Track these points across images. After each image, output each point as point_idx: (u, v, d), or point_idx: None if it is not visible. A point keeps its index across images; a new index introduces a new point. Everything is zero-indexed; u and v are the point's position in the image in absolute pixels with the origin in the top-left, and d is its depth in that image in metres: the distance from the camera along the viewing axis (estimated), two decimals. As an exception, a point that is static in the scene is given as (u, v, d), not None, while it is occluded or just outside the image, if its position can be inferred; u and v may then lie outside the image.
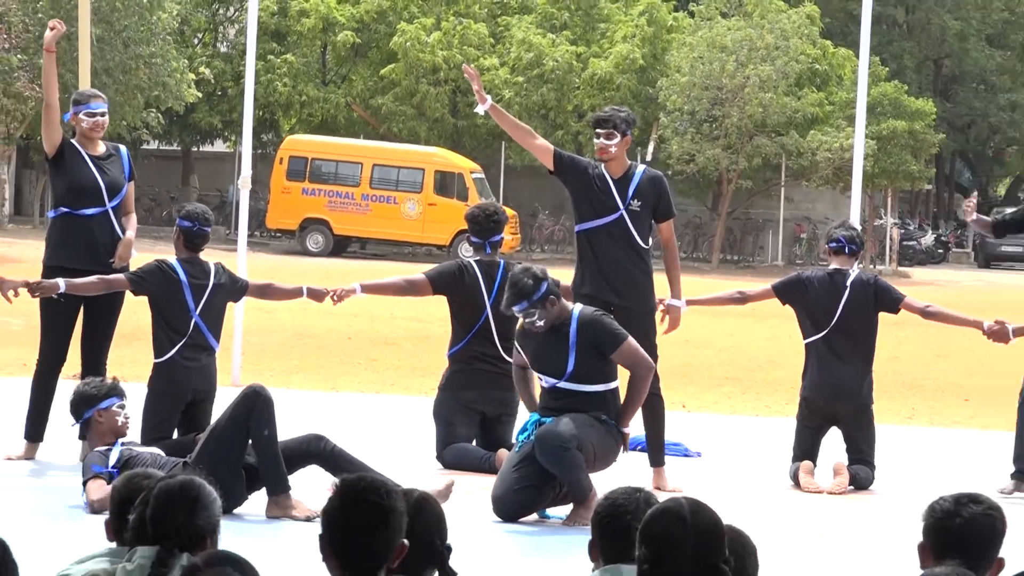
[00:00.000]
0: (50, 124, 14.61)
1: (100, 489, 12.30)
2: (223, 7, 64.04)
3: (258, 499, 12.36)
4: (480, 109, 14.96)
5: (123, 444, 12.68)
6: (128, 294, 14.43)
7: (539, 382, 13.47)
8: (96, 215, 14.53)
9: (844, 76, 60.52)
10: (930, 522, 6.86)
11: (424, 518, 6.42)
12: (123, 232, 14.61)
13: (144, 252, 15.39)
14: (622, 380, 13.41)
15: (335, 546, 6.11)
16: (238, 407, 12.55)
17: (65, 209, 14.63)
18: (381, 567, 6.18)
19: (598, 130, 14.55)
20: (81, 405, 12.78)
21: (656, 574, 5.97)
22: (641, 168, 14.81)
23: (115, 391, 12.85)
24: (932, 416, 20.45)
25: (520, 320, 13.46)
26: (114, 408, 12.72)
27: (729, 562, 6.05)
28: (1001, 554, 6.77)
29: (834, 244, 15.61)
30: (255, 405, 12.51)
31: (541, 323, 13.11)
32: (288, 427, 12.76)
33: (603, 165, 14.62)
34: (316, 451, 12.68)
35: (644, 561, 6.07)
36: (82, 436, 13.35)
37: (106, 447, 12.63)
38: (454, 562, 6.44)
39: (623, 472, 13.18)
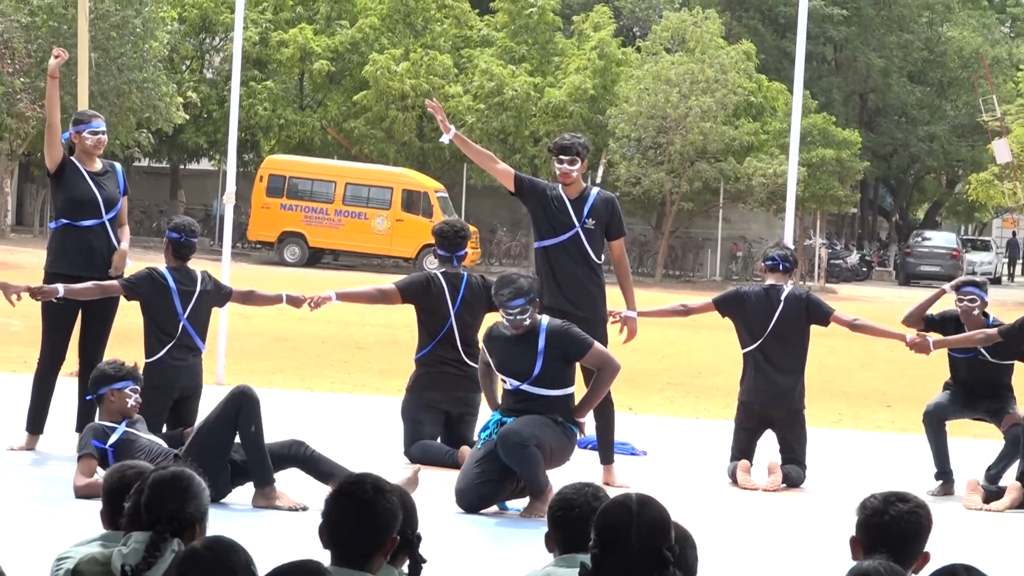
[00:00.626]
0: (52, 143, 14.61)
1: (85, 475, 12.36)
2: (209, 37, 63.92)
3: (243, 491, 12.36)
4: (445, 139, 15.06)
5: (128, 427, 12.69)
6: (121, 298, 14.47)
7: (503, 384, 13.47)
8: (94, 226, 14.53)
9: (777, 108, 60.63)
10: (862, 518, 6.87)
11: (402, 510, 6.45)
12: (118, 242, 14.61)
13: (135, 261, 15.34)
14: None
15: (331, 536, 6.14)
16: (227, 405, 12.54)
17: (65, 221, 14.63)
18: (372, 556, 6.19)
19: (562, 156, 14.59)
20: (98, 382, 12.88)
21: (606, 559, 6.04)
22: (595, 190, 14.87)
23: (131, 375, 12.92)
24: (857, 420, 20.50)
25: (497, 320, 13.54)
26: (127, 391, 12.77)
27: (673, 549, 6.08)
28: (927, 549, 6.78)
29: (769, 262, 15.64)
30: (243, 404, 12.51)
31: (528, 322, 13.16)
32: (269, 424, 12.73)
33: (560, 187, 14.65)
34: (296, 455, 12.67)
35: (595, 546, 6.14)
36: (80, 427, 13.35)
37: (108, 426, 12.64)
38: (421, 550, 6.44)
39: (576, 469, 13.19)
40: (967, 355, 15.27)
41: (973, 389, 15.31)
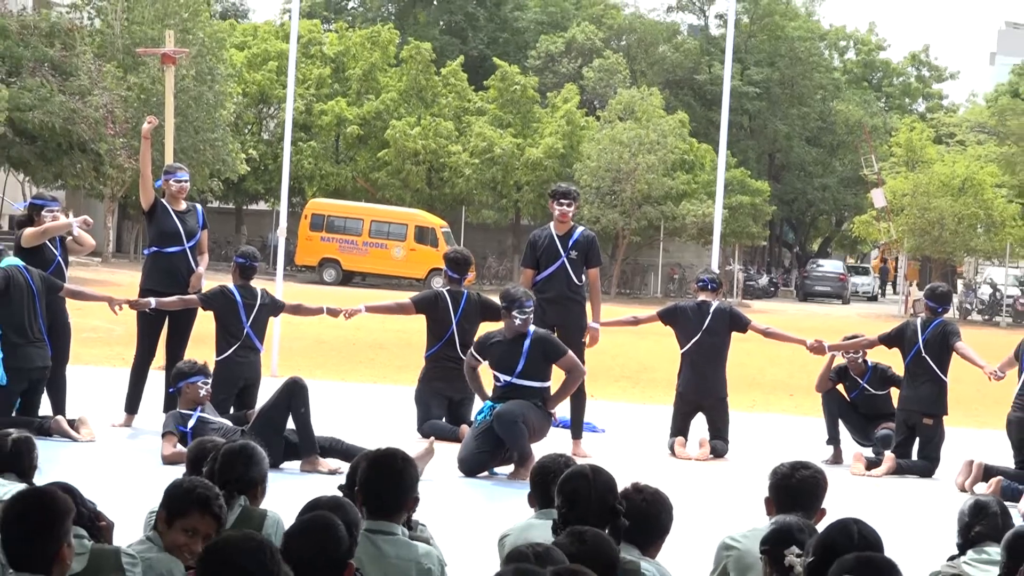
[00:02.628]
0: (145, 188, 14.75)
1: (169, 447, 12.40)
2: (266, 107, 63.84)
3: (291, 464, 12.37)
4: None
5: (201, 413, 12.68)
6: (199, 309, 14.49)
7: (495, 380, 13.50)
8: (177, 253, 14.57)
9: (705, 164, 60.63)
10: (773, 482, 6.87)
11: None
12: (196, 266, 14.63)
13: (210, 280, 15.31)
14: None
15: (366, 495, 6.16)
16: (283, 392, 12.55)
17: (155, 248, 14.72)
18: (398, 511, 6.19)
19: (562, 200, 14.90)
20: (176, 377, 12.94)
21: (570, 515, 6.05)
22: (580, 228, 15.11)
23: (202, 371, 12.95)
24: (767, 406, 20.50)
25: (500, 325, 13.67)
26: (199, 384, 12.79)
27: (622, 505, 6.09)
28: (824, 505, 6.78)
29: (700, 283, 15.70)
30: (295, 390, 12.53)
31: (519, 321, 13.37)
32: (313, 406, 12.74)
33: (552, 224, 14.87)
34: (335, 447, 12.78)
35: (561, 506, 6.18)
36: (166, 409, 13.33)
37: (188, 411, 12.65)
38: (431, 506, 6.43)
39: (552, 443, 13.19)
40: (855, 392, 15.34)
41: (866, 416, 15.38)
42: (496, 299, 14.30)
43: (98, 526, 6.29)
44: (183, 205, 14.77)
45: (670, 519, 6.41)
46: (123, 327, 15.31)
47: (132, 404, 14.62)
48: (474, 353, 13.77)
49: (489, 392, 13.68)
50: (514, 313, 13.35)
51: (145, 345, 14.68)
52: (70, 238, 14.36)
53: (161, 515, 5.91)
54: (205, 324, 15.02)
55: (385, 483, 6.24)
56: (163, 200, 14.67)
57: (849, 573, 4.97)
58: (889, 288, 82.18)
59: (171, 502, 5.90)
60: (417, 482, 6.36)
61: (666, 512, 6.39)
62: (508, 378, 13.30)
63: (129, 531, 7.05)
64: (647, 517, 6.25)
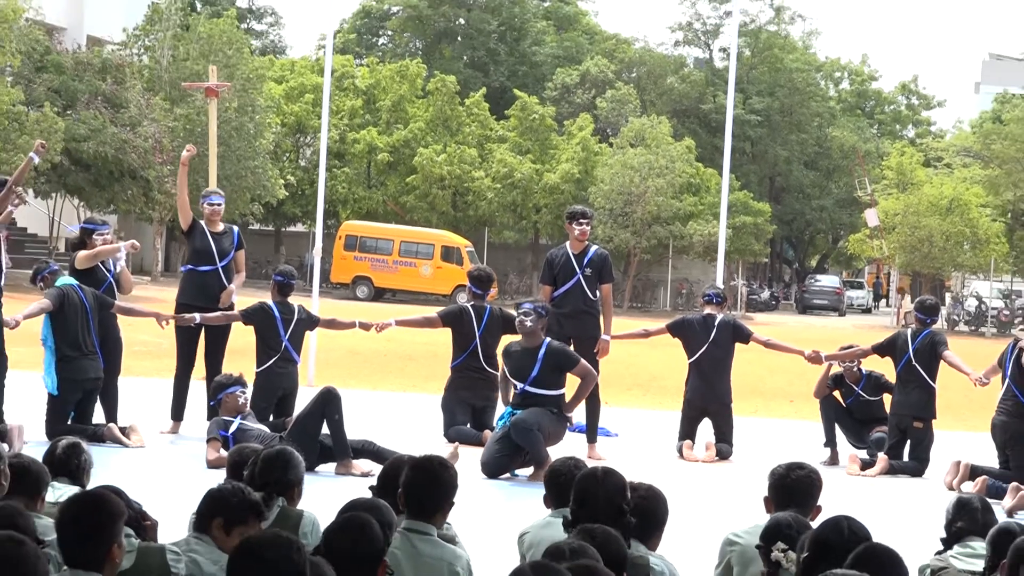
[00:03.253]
0: (183, 210, 14.81)
1: (213, 452, 12.43)
2: (302, 136, 63.89)
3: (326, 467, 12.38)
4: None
5: (242, 420, 12.70)
6: (232, 325, 14.53)
7: (514, 388, 13.51)
8: (210, 271, 14.60)
9: (710, 187, 60.54)
10: (771, 481, 6.87)
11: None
12: (229, 283, 14.63)
13: (251, 298, 15.35)
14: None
15: (408, 498, 6.17)
16: (318, 400, 12.57)
17: (190, 266, 14.80)
18: (437, 513, 6.21)
19: (581, 220, 14.96)
20: (217, 389, 12.98)
21: (580, 513, 6.06)
22: (594, 247, 15.11)
23: (239, 382, 12.96)
24: (769, 411, 20.49)
25: (516, 337, 13.81)
26: (237, 393, 12.81)
27: (629, 504, 6.12)
28: (819, 503, 6.77)
29: (706, 297, 15.71)
30: (329, 399, 12.55)
31: (530, 324, 13.49)
32: (347, 413, 12.76)
33: (568, 244, 14.88)
34: (367, 449, 12.77)
35: (572, 505, 6.22)
36: (209, 417, 13.34)
37: (229, 419, 12.67)
38: (456, 506, 6.44)
39: (569, 446, 13.19)
40: (850, 398, 15.36)
41: (861, 421, 15.40)
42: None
43: (144, 525, 6.31)
44: (220, 227, 14.79)
45: (666, 512, 6.43)
46: (169, 341, 15.31)
47: (178, 412, 14.66)
48: (503, 360, 13.90)
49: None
50: (519, 316, 13.67)
51: (184, 357, 14.71)
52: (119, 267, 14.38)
53: (218, 523, 5.90)
54: (242, 337, 15.06)
55: (427, 487, 6.25)
56: (201, 222, 14.74)
57: (856, 563, 4.99)
58: (882, 301, 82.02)
59: (231, 511, 5.90)
60: (455, 487, 6.36)
61: (662, 506, 6.40)
62: (522, 385, 13.33)
63: (174, 529, 7.06)
64: (645, 512, 6.27)
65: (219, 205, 14.86)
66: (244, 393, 12.91)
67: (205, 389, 14.38)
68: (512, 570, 4.52)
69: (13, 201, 12.83)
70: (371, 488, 6.79)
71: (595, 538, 5.49)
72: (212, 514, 5.94)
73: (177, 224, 57.65)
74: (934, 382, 14.62)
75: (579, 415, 14.66)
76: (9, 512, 4.95)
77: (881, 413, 15.26)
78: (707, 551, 7.38)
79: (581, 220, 14.96)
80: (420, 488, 6.21)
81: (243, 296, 15.55)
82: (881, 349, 14.96)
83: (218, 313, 14.44)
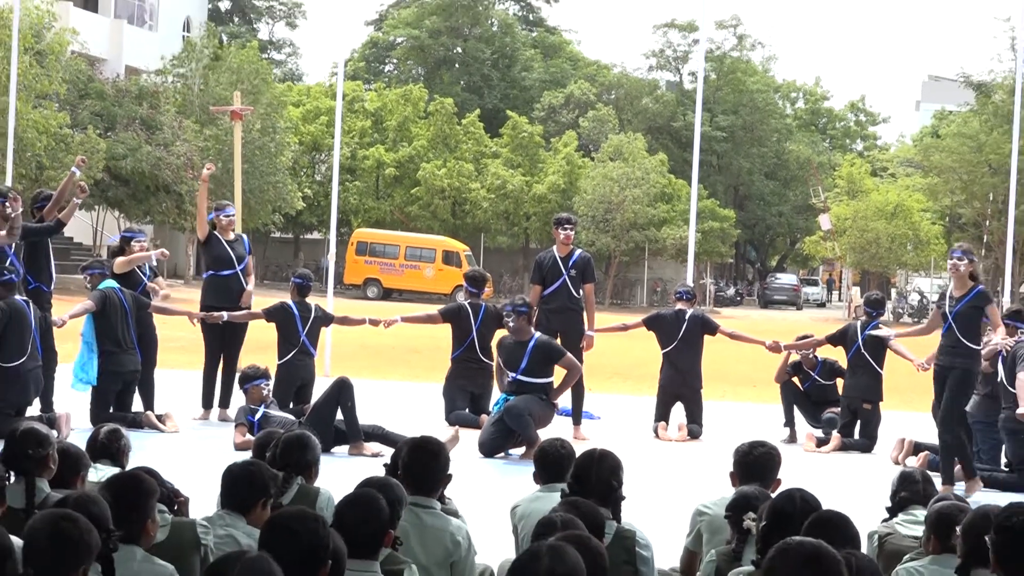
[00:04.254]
0: (201, 223, 14.87)
1: (240, 436, 12.43)
2: (318, 153, 63.77)
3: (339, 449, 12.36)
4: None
5: (265, 408, 12.70)
6: (253, 323, 14.54)
7: (507, 377, 13.54)
8: (229, 275, 14.64)
9: (681, 196, 60.52)
10: (736, 458, 6.86)
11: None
12: (246, 285, 14.64)
13: (272, 298, 15.34)
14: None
15: (406, 474, 6.15)
16: (332, 389, 12.57)
17: (211, 272, 14.79)
18: (435, 488, 6.21)
19: (566, 225, 15.00)
20: (244, 380, 13.00)
21: (578, 487, 6.07)
22: (578, 251, 15.08)
23: (264, 375, 12.99)
24: (735, 396, 20.49)
25: (505, 324, 13.91)
26: (261, 385, 12.81)
27: (621, 481, 6.14)
28: (780, 477, 6.76)
29: (678, 294, 15.67)
30: (343, 388, 12.55)
31: (512, 324, 13.62)
32: (359, 400, 12.78)
33: (555, 247, 14.89)
34: (377, 433, 12.82)
35: (570, 478, 6.24)
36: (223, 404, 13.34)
37: (254, 407, 12.67)
38: (456, 482, 6.42)
39: (556, 428, 13.21)
40: (807, 383, 15.34)
41: (816, 403, 15.39)
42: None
43: (177, 502, 6.30)
44: (232, 235, 14.83)
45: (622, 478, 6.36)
46: (199, 337, 15.33)
47: (207, 400, 14.67)
48: (497, 351, 14.01)
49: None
50: (504, 319, 13.88)
51: (211, 351, 14.73)
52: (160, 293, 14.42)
53: (241, 498, 5.91)
54: (263, 333, 15.04)
55: (424, 465, 6.24)
56: (216, 232, 14.75)
57: (811, 529, 4.99)
58: (835, 296, 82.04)
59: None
60: (449, 463, 6.36)
61: (620, 469, 6.35)
62: (513, 374, 13.38)
63: (204, 506, 7.04)
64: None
65: (233, 215, 14.94)
66: (268, 385, 12.93)
67: (221, 380, 14.52)
68: (527, 549, 4.48)
69: (79, 196, 13.32)
70: (385, 466, 6.77)
71: (579, 509, 5.55)
72: (237, 491, 5.93)
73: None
74: (881, 368, 14.63)
75: (565, 400, 14.65)
76: (84, 499, 4.96)
77: (834, 396, 15.25)
78: (679, 521, 7.37)
79: (566, 226, 14.98)
80: (418, 466, 6.22)
81: (263, 296, 15.54)
82: (834, 339, 14.97)
83: (243, 312, 14.47)
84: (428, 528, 5.96)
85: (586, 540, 4.78)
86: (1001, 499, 8.03)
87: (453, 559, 6.00)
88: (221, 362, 14.68)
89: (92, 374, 13.44)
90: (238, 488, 5.90)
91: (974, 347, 11.76)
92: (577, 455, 6.50)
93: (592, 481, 6.10)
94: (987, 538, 4.86)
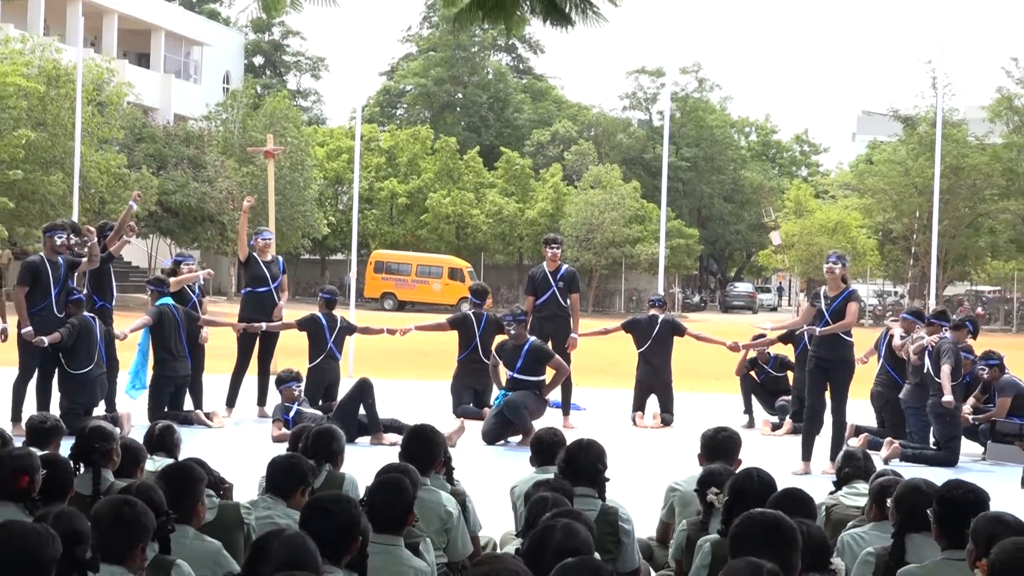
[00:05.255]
0: (241, 247, 14.80)
1: (277, 430, 12.44)
2: (340, 186, 63.75)
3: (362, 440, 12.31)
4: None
5: (298, 406, 12.68)
6: (284, 333, 14.48)
7: (505, 374, 13.53)
8: (265, 292, 14.57)
9: (652, 218, 60.48)
10: (702, 442, 6.86)
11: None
12: (279, 300, 14.59)
13: (303, 310, 15.29)
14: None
15: (407, 455, 6.15)
16: (356, 388, 12.56)
17: (249, 289, 14.72)
18: (430, 466, 6.20)
19: (553, 245, 14.92)
20: (279, 382, 12.91)
21: (567, 470, 6.04)
22: (565, 266, 15.02)
23: (296, 378, 12.94)
24: (702, 388, 20.48)
25: (506, 337, 13.86)
26: (293, 387, 12.77)
27: (605, 466, 6.13)
28: (740, 457, 6.76)
29: (652, 302, 15.69)
30: (364, 387, 12.55)
31: (513, 331, 13.70)
32: (379, 396, 12.75)
33: (544, 264, 14.86)
34: (392, 426, 12.81)
35: (561, 462, 6.21)
36: (260, 403, 13.31)
37: (288, 405, 12.65)
38: (464, 466, 6.41)
39: (549, 418, 13.19)
40: (762, 375, 15.34)
41: (771, 392, 15.40)
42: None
43: (223, 488, 6.29)
44: (268, 256, 14.77)
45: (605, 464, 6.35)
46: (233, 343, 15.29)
47: (232, 400, 14.59)
48: (495, 355, 13.91)
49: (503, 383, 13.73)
50: (506, 328, 13.89)
51: (242, 356, 14.66)
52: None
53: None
54: (295, 341, 15.00)
55: (420, 447, 6.27)
56: (254, 254, 14.70)
57: (778, 504, 5.00)
58: (785, 301, 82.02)
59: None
60: (443, 447, 6.37)
61: (605, 455, 6.33)
62: (511, 373, 13.38)
63: (247, 490, 7.03)
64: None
65: (270, 239, 14.88)
66: (299, 387, 12.90)
67: (257, 382, 14.45)
68: (542, 525, 4.45)
69: (128, 233, 13.33)
70: (400, 453, 6.78)
71: (554, 488, 5.60)
72: (298, 479, 5.91)
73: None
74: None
75: (555, 394, 14.63)
76: (143, 487, 4.96)
77: (785, 386, 15.25)
78: (655, 496, 7.36)
79: (553, 245, 14.95)
80: (415, 448, 6.25)
81: (294, 310, 15.51)
82: (783, 338, 14.96)
83: (279, 323, 14.45)
84: (424, 502, 5.95)
85: (576, 514, 4.78)
86: (929, 473, 8.03)
87: (447, 526, 6.02)
88: (257, 366, 14.65)
89: (143, 382, 13.52)
90: (281, 476, 5.89)
91: (848, 339, 11.78)
92: (567, 443, 6.49)
93: (581, 465, 6.10)
94: (929, 510, 4.87)
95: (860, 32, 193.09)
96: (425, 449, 6.28)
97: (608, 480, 6.13)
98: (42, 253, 12.53)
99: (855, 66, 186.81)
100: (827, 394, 11.91)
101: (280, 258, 15.07)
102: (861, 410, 14.83)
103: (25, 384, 12.41)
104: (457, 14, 6.55)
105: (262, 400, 14.60)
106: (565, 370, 13.86)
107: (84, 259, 12.71)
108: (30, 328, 12.18)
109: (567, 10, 6.29)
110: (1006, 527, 4.37)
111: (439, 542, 5.93)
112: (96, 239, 12.85)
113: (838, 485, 6.86)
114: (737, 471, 5.98)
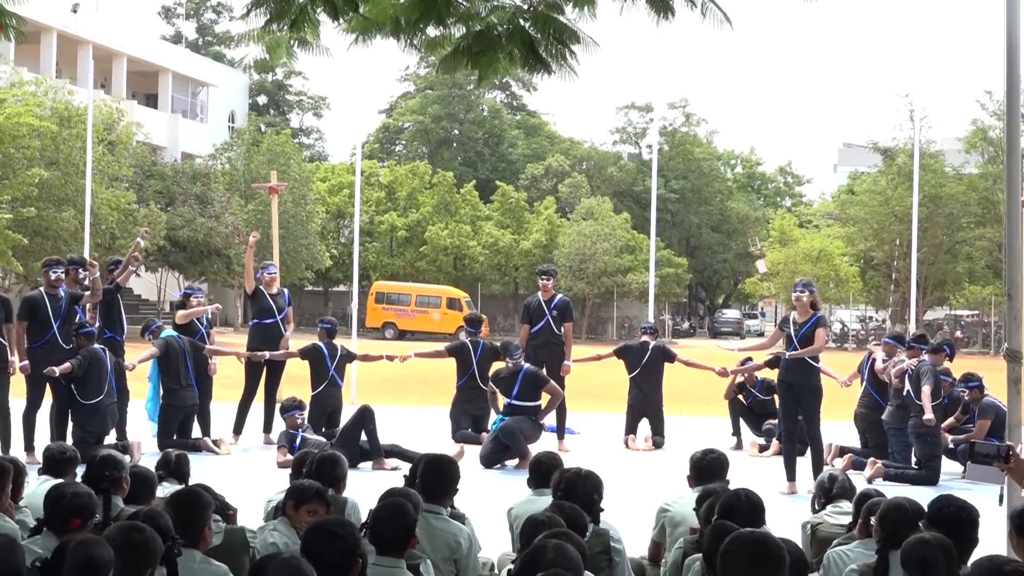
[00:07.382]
0: (248, 280, 14.82)
1: (282, 456, 12.43)
2: (342, 220, 63.78)
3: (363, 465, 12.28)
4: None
5: (302, 433, 12.66)
6: (290, 362, 14.45)
7: (502, 400, 13.52)
8: (271, 323, 14.55)
9: (642, 248, 60.57)
10: (692, 463, 6.85)
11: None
12: (285, 331, 14.57)
13: (305, 340, 15.28)
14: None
15: (422, 484, 6.11)
16: (357, 415, 12.54)
17: (256, 320, 14.68)
18: (445, 497, 6.17)
19: (545, 276, 14.87)
20: (283, 410, 12.92)
21: (565, 497, 6.04)
22: (559, 295, 15.03)
23: (299, 406, 12.93)
24: (692, 411, 20.44)
25: (502, 364, 13.77)
26: (296, 415, 12.73)
27: (601, 496, 6.15)
28: (728, 478, 6.74)
29: (643, 329, 15.68)
30: (365, 413, 12.53)
31: (511, 364, 13.66)
32: (380, 422, 12.72)
33: (539, 293, 14.87)
34: (394, 451, 12.81)
35: (559, 490, 6.22)
36: (265, 430, 13.26)
37: (293, 432, 12.63)
38: (462, 489, 6.38)
39: (544, 442, 13.16)
40: (750, 399, 15.34)
41: (758, 415, 15.38)
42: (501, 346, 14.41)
43: (228, 513, 6.27)
44: (275, 289, 14.77)
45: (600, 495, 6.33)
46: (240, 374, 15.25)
47: (239, 428, 14.54)
48: (492, 383, 13.89)
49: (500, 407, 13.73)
50: (509, 357, 13.78)
51: (250, 384, 14.62)
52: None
53: (290, 504, 5.89)
54: (299, 369, 14.97)
55: (437, 477, 6.21)
56: (260, 287, 14.69)
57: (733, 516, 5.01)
58: (770, 327, 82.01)
59: (299, 495, 5.90)
60: (458, 477, 6.31)
61: (602, 486, 6.30)
62: (507, 399, 13.37)
63: (251, 515, 7.01)
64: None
65: (276, 273, 14.89)
66: (303, 414, 12.89)
67: (264, 410, 14.41)
68: (535, 544, 4.45)
69: (134, 265, 13.41)
70: (404, 478, 6.75)
71: (564, 511, 5.58)
72: (288, 497, 5.90)
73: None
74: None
75: (550, 418, 14.61)
76: (151, 513, 4.94)
77: (772, 409, 15.22)
78: (647, 516, 7.35)
79: (545, 276, 14.96)
80: (433, 478, 6.19)
81: (298, 340, 15.49)
82: (770, 363, 14.94)
83: (282, 351, 14.43)
84: (436, 530, 5.93)
85: (568, 535, 4.78)
86: (911, 492, 8.02)
87: (456, 556, 5.99)
88: (264, 395, 14.62)
89: (155, 407, 13.51)
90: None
91: (815, 365, 11.80)
92: (563, 467, 6.48)
93: (578, 493, 6.10)
94: (920, 523, 4.89)
95: (840, 68, 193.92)
96: (442, 479, 6.23)
97: (603, 510, 6.12)
98: (42, 288, 12.57)
99: (836, 100, 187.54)
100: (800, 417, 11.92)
101: (286, 291, 15.08)
102: (845, 431, 14.83)
103: (33, 415, 12.43)
104: (442, 60, 6.53)
105: (268, 427, 14.58)
106: (559, 395, 13.87)
107: (87, 292, 12.73)
108: (27, 362, 12.24)
109: (547, 57, 6.30)
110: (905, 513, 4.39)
111: (447, 571, 5.91)
112: (98, 273, 12.87)
113: (822, 505, 6.84)
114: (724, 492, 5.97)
